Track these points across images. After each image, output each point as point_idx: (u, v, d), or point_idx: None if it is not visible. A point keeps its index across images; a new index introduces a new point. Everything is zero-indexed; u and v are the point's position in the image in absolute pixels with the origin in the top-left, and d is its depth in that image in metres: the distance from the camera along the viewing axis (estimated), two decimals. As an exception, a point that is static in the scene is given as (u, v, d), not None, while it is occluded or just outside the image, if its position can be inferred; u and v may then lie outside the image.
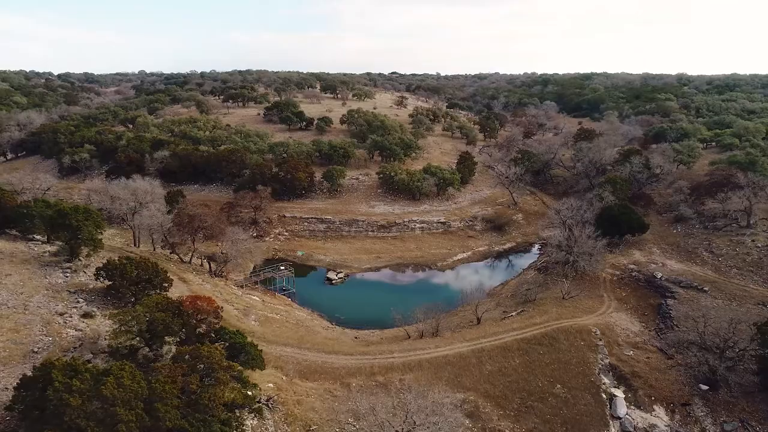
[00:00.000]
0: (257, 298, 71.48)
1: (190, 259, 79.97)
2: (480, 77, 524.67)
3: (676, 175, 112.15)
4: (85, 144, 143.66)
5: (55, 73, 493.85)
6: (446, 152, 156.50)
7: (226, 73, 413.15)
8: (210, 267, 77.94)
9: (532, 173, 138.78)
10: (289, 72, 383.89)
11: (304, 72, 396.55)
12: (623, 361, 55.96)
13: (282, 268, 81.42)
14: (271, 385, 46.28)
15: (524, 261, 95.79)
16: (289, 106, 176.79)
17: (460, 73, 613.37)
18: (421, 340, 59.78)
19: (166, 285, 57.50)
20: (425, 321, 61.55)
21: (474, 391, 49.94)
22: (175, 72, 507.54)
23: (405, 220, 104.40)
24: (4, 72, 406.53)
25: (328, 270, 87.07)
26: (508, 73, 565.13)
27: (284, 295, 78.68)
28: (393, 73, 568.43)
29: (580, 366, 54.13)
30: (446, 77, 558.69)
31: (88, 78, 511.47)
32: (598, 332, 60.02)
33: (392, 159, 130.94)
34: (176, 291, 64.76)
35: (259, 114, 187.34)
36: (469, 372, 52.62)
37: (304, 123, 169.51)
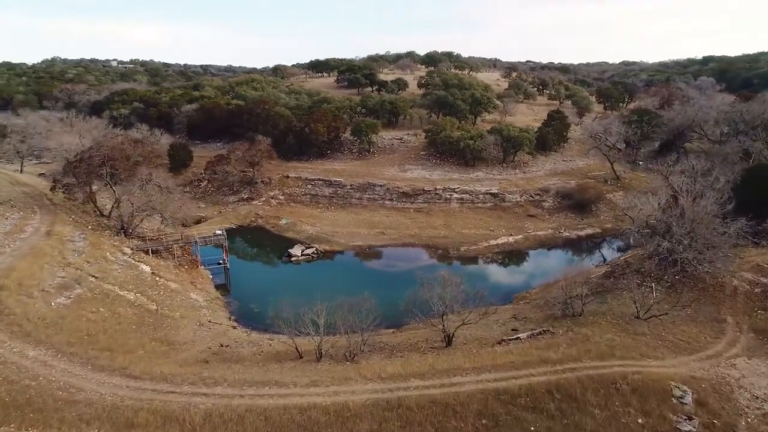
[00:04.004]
0: (146, 268, 48.00)
1: (110, 213, 59.16)
2: (626, 63, 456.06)
3: None
4: (134, 102, 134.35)
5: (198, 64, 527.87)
6: (541, 120, 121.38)
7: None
8: (122, 224, 56.17)
9: (660, 145, 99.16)
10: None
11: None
12: (741, 486, 22.48)
13: (218, 232, 57.17)
14: None
15: (607, 254, 61.09)
16: (361, 69, 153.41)
17: (605, 60, 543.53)
18: (315, 364, 31.41)
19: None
20: (349, 334, 32.93)
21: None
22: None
23: (438, 188, 74.42)
24: (148, 62, 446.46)
25: (298, 244, 61.16)
26: (666, 60, 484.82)
27: (211, 268, 54.72)
28: (528, 61, 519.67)
29: (619, 481, 22.07)
30: (587, 64, 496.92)
31: (228, 69, 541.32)
32: (689, 399, 26.70)
33: (458, 119, 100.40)
34: (20, 247, 44.16)
35: (336, 80, 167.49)
36: (340, 455, 23.44)
37: (376, 87, 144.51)
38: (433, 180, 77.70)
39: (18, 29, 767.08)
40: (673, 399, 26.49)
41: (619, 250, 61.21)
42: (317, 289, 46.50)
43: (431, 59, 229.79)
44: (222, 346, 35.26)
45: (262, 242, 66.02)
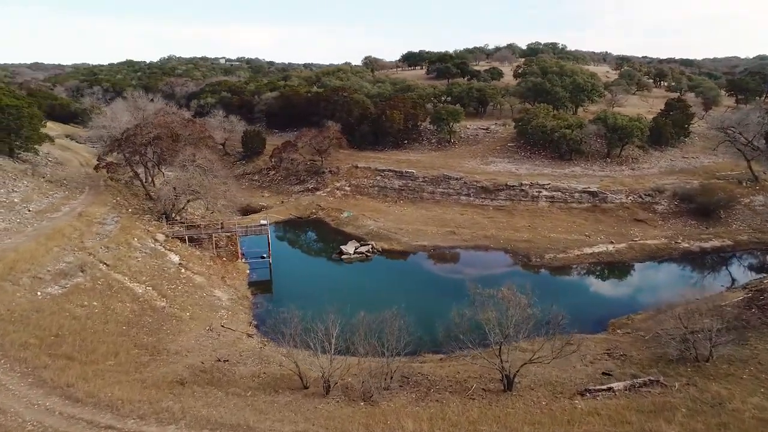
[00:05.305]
0: (174, 258, 42.73)
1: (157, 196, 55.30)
2: (762, 57, 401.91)
3: None
4: (222, 92, 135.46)
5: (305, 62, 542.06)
6: (657, 113, 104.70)
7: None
8: (163, 208, 51.88)
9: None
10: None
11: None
12: None
13: (263, 223, 51.05)
14: None
15: (741, 275, 47.16)
16: (452, 59, 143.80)
17: (735, 55, 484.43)
18: (319, 400, 23.36)
19: None
20: (371, 359, 24.81)
21: None
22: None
23: (525, 183, 63.47)
24: (253, 60, 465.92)
25: (352, 241, 53.62)
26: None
27: (252, 262, 48.77)
28: (644, 57, 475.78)
29: None
30: (713, 59, 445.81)
31: (329, 66, 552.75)
32: None
33: (555, 108, 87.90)
34: (43, 226, 40.81)
35: (426, 71, 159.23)
36: None
37: (468, 76, 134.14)
38: (520, 174, 66.82)
39: (141, 33, 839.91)
40: None
41: (763, 269, 47.11)
42: (358, 294, 38.98)
43: (533, 51, 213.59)
44: (219, 360, 28.27)
45: (317, 236, 59.56)
